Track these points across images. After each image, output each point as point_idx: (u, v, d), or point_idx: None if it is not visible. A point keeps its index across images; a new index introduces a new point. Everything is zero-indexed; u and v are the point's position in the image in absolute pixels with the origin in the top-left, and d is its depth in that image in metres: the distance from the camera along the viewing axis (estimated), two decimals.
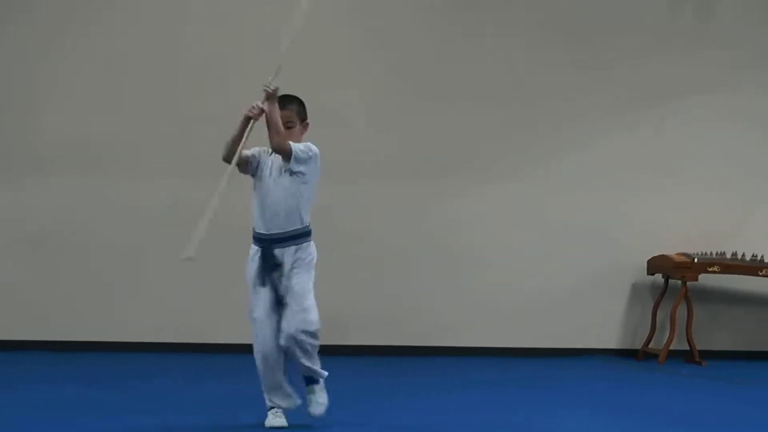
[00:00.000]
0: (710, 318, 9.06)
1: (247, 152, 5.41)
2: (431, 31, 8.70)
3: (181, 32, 8.42)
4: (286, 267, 5.37)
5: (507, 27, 8.77)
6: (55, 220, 8.28)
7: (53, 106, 8.31)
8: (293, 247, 5.39)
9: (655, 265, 8.81)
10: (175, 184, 8.22)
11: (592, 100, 8.87)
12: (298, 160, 5.36)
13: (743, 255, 8.82)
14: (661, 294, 8.87)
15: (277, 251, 5.37)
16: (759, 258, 8.83)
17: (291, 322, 5.33)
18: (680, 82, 8.99)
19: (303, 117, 5.52)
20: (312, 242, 5.47)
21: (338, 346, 7.88)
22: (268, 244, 5.38)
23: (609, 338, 8.93)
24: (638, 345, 8.93)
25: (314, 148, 5.45)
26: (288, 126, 5.38)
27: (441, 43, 8.68)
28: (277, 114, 5.28)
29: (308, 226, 5.44)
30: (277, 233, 5.37)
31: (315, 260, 5.47)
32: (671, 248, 8.78)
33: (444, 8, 8.74)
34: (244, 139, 5.29)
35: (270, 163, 5.45)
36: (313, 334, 5.38)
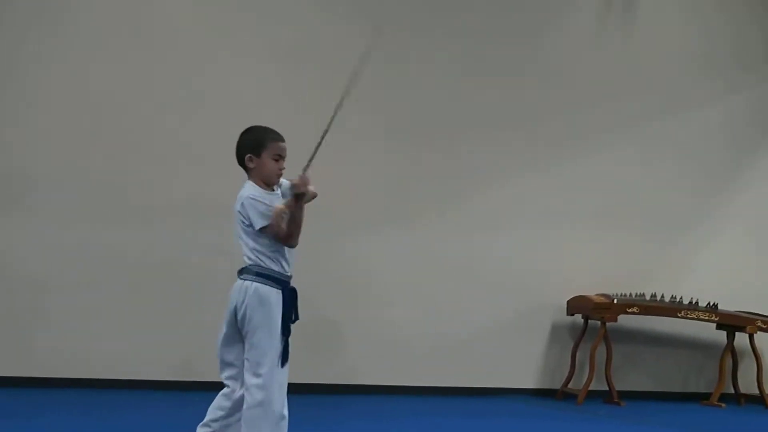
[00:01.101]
0: (629, 358, 9.10)
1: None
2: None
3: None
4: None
5: (416, 73, 8.73)
6: None
7: None
8: None
9: (575, 305, 8.83)
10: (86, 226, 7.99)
11: (512, 142, 8.89)
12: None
13: (662, 296, 8.89)
14: (581, 334, 8.89)
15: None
16: (678, 299, 8.90)
17: None
18: (597, 125, 9.08)
19: None
20: None
21: None
22: (288, 284, 4.85)
23: (529, 378, 8.92)
24: (557, 385, 8.93)
25: None
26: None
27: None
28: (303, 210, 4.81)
29: None
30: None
31: None
32: (591, 289, 8.81)
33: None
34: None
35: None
36: None
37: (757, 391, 9.14)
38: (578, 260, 8.94)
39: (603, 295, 8.75)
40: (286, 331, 4.72)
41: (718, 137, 9.46)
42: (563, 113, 9.02)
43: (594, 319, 8.73)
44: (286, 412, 4.65)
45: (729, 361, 9.14)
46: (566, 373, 8.91)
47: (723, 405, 8.95)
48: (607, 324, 8.67)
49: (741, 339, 9.11)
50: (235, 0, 8.24)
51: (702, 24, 9.49)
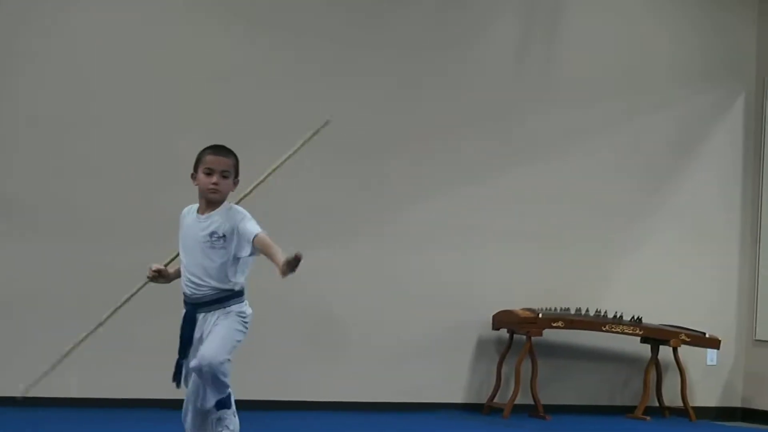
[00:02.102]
0: (554, 372, 9.15)
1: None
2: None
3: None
4: None
5: (354, 88, 8.76)
6: None
7: None
8: None
9: (501, 320, 8.86)
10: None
11: (437, 156, 8.92)
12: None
13: (587, 310, 8.96)
14: (506, 349, 8.92)
15: None
16: (602, 313, 8.98)
17: None
18: (524, 144, 9.15)
19: (237, 172, 5.05)
20: None
21: None
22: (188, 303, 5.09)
23: (455, 392, 8.93)
24: (483, 399, 8.95)
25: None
26: (224, 176, 4.95)
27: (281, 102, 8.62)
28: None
29: None
30: None
31: None
32: (516, 303, 8.85)
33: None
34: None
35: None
36: None
37: (681, 404, 9.23)
38: (504, 275, 8.98)
39: (528, 309, 8.80)
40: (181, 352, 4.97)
41: (646, 151, 9.53)
42: (489, 128, 9.06)
43: (519, 333, 8.78)
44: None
45: (653, 375, 9.22)
46: (492, 388, 8.93)
47: (648, 418, 9.03)
48: (533, 338, 8.72)
49: (665, 352, 9.20)
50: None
51: (636, 35, 9.55)
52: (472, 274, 8.90)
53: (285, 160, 5.20)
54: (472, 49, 9.08)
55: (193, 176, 4.99)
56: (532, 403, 8.79)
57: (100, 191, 8.05)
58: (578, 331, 8.97)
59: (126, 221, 8.04)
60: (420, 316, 8.76)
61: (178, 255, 5.07)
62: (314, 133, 5.25)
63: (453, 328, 8.87)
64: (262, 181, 5.17)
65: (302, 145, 5.24)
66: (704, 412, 9.43)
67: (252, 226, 4.85)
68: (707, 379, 9.59)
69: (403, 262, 8.75)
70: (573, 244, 9.19)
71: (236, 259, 4.91)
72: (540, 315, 8.72)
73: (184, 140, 8.09)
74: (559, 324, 8.78)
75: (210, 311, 4.93)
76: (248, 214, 4.93)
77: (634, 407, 9.17)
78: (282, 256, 4.62)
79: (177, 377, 4.97)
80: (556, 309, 8.88)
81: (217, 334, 4.86)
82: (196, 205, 5.03)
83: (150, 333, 7.56)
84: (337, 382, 8.59)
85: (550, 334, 8.88)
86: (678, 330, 9.17)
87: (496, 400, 8.90)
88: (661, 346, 9.16)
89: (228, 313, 4.93)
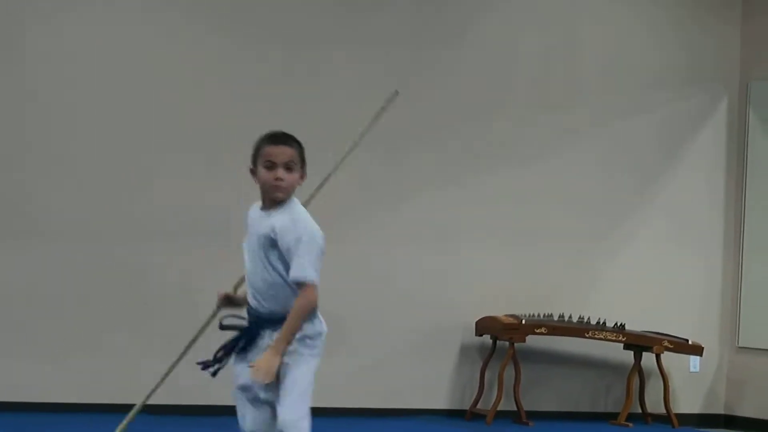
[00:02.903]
0: (537, 379, 9.12)
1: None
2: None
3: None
4: None
5: (332, 78, 8.73)
6: None
7: None
8: None
9: (484, 326, 8.83)
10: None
11: (422, 156, 8.88)
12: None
13: (570, 317, 8.93)
14: (489, 355, 8.89)
15: None
16: (585, 320, 8.95)
17: None
18: (502, 143, 9.11)
19: (304, 162, 4.42)
20: None
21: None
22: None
23: (438, 398, 8.89)
24: (467, 405, 8.91)
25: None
26: (288, 168, 4.32)
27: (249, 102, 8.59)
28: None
29: None
30: None
31: None
32: (499, 310, 8.82)
33: None
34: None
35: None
36: None
37: (663, 410, 9.21)
38: (488, 280, 8.95)
39: (511, 315, 8.76)
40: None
41: (630, 155, 9.50)
42: (471, 127, 9.01)
43: (503, 339, 8.74)
44: None
45: (636, 381, 9.20)
46: (475, 394, 8.90)
47: (630, 424, 9.00)
48: (516, 344, 8.68)
49: (648, 359, 9.17)
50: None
51: (620, 37, 9.53)
52: (455, 278, 8.87)
53: (359, 140, 4.79)
54: (454, 49, 9.03)
55: (253, 171, 4.33)
56: (515, 409, 8.75)
57: (99, 193, 8.11)
58: (561, 337, 8.93)
59: (123, 222, 8.12)
60: (402, 321, 8.72)
61: (243, 280, 4.49)
62: (384, 107, 4.86)
63: (436, 334, 8.84)
64: (335, 170, 4.80)
65: (374, 120, 4.82)
66: (687, 419, 9.41)
67: (301, 267, 4.19)
68: (690, 385, 9.57)
69: (386, 266, 8.71)
70: (557, 248, 9.16)
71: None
72: (523, 321, 8.68)
73: (184, 141, 8.11)
74: (543, 330, 8.75)
75: (276, 330, 4.26)
76: (309, 238, 4.24)
77: (617, 414, 9.14)
78: (284, 334, 4.18)
79: (214, 366, 4.42)
80: (539, 315, 8.85)
81: (290, 390, 4.31)
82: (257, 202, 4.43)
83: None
84: (318, 387, 8.49)
85: (534, 340, 8.85)
86: (661, 337, 9.15)
87: (479, 406, 8.87)
88: (644, 353, 9.13)
89: (297, 341, 4.28)
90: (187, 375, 7.98)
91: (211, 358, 4.44)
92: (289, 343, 4.19)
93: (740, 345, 9.63)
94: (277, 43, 8.59)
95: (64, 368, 8.01)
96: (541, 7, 9.34)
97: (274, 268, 4.24)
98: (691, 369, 9.55)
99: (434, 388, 8.90)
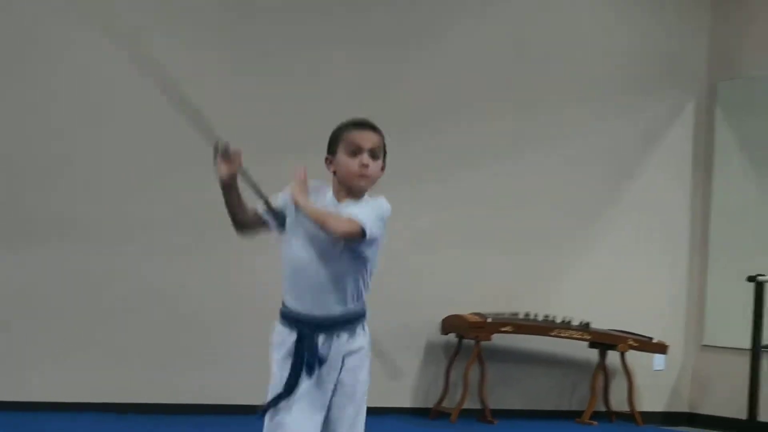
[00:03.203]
0: (503, 377, 9.13)
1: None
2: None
3: None
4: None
5: (314, 85, 8.67)
6: None
7: None
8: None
9: (449, 324, 8.82)
10: None
11: (397, 156, 8.84)
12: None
13: (536, 315, 8.94)
14: (455, 353, 8.89)
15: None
16: (551, 318, 8.97)
17: None
18: (475, 144, 9.10)
19: (385, 153, 4.06)
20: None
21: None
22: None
23: (402, 397, 8.87)
24: (431, 404, 8.91)
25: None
26: (374, 156, 3.97)
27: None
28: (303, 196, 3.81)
29: None
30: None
31: None
32: (465, 308, 8.82)
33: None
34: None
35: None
36: None
37: (628, 409, 9.25)
38: (454, 279, 8.94)
39: (477, 314, 8.76)
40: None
41: (597, 156, 9.51)
42: (441, 129, 9.00)
43: (468, 338, 8.74)
44: None
45: (601, 379, 9.23)
46: (440, 392, 8.90)
47: (595, 423, 9.04)
48: (482, 343, 8.69)
49: (613, 357, 9.21)
50: None
51: (588, 38, 9.53)
52: (421, 277, 8.85)
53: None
54: (430, 49, 9.00)
55: (329, 160, 3.95)
56: (480, 407, 8.76)
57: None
58: (527, 335, 8.95)
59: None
60: (367, 319, 8.68)
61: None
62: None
63: (400, 332, 8.79)
64: None
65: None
66: (651, 417, 9.44)
67: (363, 213, 3.80)
68: (654, 383, 9.60)
69: None
70: (523, 247, 9.16)
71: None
72: (489, 320, 8.68)
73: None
74: (508, 329, 8.76)
75: (336, 334, 3.85)
76: (377, 203, 3.93)
77: (582, 412, 9.17)
78: (311, 206, 3.73)
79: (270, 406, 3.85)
80: (505, 313, 8.85)
81: (350, 425, 3.88)
82: (329, 187, 3.92)
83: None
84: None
85: (499, 339, 8.86)
86: (626, 335, 9.17)
87: (443, 404, 8.87)
88: (608, 351, 9.17)
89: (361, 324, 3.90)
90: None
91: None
92: (305, 209, 3.76)
93: (704, 343, 9.67)
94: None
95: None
96: (519, 10, 9.35)
97: (351, 258, 3.81)
98: (656, 367, 9.58)
99: (399, 386, 8.84)
